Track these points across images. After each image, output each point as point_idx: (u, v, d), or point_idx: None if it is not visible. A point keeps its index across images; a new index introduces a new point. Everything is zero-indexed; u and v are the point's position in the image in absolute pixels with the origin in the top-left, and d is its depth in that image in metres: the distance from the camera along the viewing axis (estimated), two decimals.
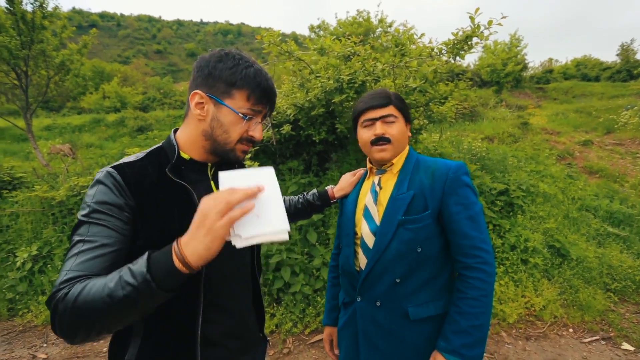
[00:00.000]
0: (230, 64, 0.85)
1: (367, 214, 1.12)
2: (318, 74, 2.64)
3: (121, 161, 0.80)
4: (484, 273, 0.98)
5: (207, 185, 0.91)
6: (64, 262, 0.69)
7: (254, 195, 0.69)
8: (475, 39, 2.08)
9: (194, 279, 0.81)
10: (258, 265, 1.05)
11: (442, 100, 2.90)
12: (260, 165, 3.57)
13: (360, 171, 1.32)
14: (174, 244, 0.65)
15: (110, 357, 0.81)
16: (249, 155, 3.14)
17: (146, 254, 0.65)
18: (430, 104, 3.01)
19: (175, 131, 0.91)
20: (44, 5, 5.95)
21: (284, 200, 1.36)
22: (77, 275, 0.67)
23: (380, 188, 1.12)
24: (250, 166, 3.07)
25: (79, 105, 25.22)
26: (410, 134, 1.18)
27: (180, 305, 0.80)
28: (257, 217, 0.69)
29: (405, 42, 2.33)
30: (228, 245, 0.90)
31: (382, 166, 1.16)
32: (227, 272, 0.91)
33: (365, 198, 1.16)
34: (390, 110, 1.11)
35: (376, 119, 1.11)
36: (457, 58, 2.29)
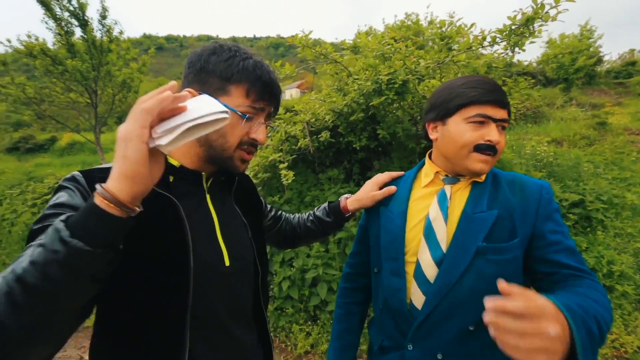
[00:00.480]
0: (225, 56, 0.72)
1: (431, 235, 0.84)
2: (356, 77, 2.45)
3: (94, 168, 0.69)
4: (598, 285, 0.75)
5: (201, 198, 0.77)
6: None
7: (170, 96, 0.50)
8: (537, 24, 1.75)
9: (177, 312, 0.66)
10: (264, 293, 0.88)
11: None
12: (297, 174, 3.45)
13: (390, 188, 1.02)
14: (97, 185, 0.49)
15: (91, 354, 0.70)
16: (284, 165, 3.03)
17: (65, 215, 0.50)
18: None
19: None
20: (110, 30, 6.54)
21: (293, 218, 1.18)
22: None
23: (449, 200, 0.87)
24: (285, 176, 2.96)
25: None
26: None
27: (160, 344, 0.66)
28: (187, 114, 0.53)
29: (452, 34, 2.04)
30: (217, 269, 0.74)
31: (459, 175, 0.88)
32: (219, 305, 0.74)
33: (426, 211, 0.87)
34: (506, 114, 0.83)
35: (495, 120, 0.81)
36: (516, 49, 1.96)
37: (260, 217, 0.98)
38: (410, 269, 0.87)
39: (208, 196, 0.78)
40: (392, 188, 1.02)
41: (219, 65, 0.71)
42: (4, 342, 0.44)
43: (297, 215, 1.18)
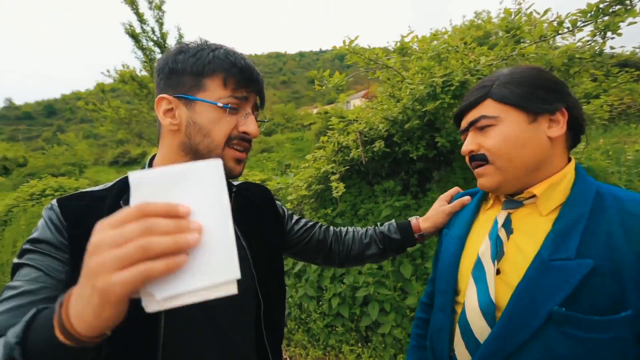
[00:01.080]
0: (192, 51, 0.66)
1: (479, 273, 0.67)
2: (409, 81, 2.27)
3: (78, 191, 0.66)
4: None
5: None
6: None
7: (174, 216, 0.39)
8: None
9: (146, 331, 0.59)
10: (271, 330, 0.76)
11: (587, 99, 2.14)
12: (351, 186, 3.32)
13: (462, 196, 0.89)
14: (62, 298, 0.41)
15: None
16: (336, 176, 2.94)
17: (33, 311, 0.44)
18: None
19: (153, 157, 0.74)
20: None
21: (346, 233, 1.02)
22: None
23: (511, 233, 0.66)
24: (336, 188, 2.86)
25: None
26: (554, 133, 0.64)
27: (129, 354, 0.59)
28: (197, 253, 0.41)
29: (519, 24, 1.75)
30: (202, 307, 0.65)
31: (510, 195, 0.70)
32: (201, 345, 0.65)
33: (480, 241, 0.70)
34: (484, 108, 0.67)
35: (466, 129, 0.71)
36: (609, 34, 1.60)
37: (273, 235, 0.87)
38: (459, 310, 0.69)
39: None
40: (466, 198, 0.87)
41: (187, 62, 0.65)
42: None
43: (350, 229, 1.03)
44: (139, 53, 6.90)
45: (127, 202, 0.61)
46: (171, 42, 7.05)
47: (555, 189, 0.64)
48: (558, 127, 0.64)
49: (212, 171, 0.43)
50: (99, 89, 7.21)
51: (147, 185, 0.41)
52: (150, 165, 0.71)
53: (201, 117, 0.65)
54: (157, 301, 0.39)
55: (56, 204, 0.62)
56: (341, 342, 2.63)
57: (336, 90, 2.64)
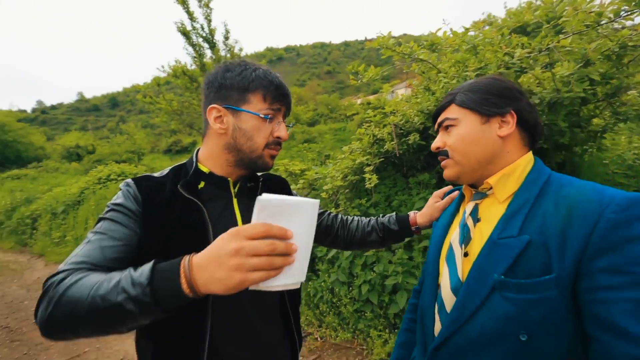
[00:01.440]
0: (238, 70, 0.82)
1: (451, 259, 0.78)
2: (444, 75, 2.27)
3: (145, 174, 0.84)
4: None
5: (227, 202, 0.86)
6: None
7: (282, 236, 0.57)
8: None
9: (198, 304, 0.75)
10: (291, 293, 0.93)
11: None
12: (386, 178, 3.37)
13: (452, 192, 1.01)
14: (184, 261, 0.57)
15: (136, 337, 0.84)
16: (370, 168, 3.01)
17: (151, 263, 0.59)
18: (620, 94, 2.12)
19: (198, 151, 0.90)
20: (231, 49, 7.59)
21: (352, 221, 1.17)
22: (80, 261, 0.67)
23: (478, 220, 0.76)
24: (369, 179, 2.93)
25: None
26: (503, 132, 0.74)
27: (183, 331, 0.76)
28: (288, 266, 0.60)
29: (561, 13, 1.66)
30: None
31: (473, 186, 0.81)
32: (245, 300, 0.82)
33: (454, 232, 0.82)
34: (448, 112, 0.80)
35: (437, 129, 0.84)
36: None
37: None
38: (438, 291, 0.80)
39: (235, 200, 0.87)
40: (455, 194, 0.99)
41: (234, 79, 0.80)
42: (79, 326, 0.58)
43: (356, 218, 1.17)
44: (190, 49, 7.35)
45: (182, 187, 0.80)
46: (219, 37, 7.43)
47: (508, 179, 0.74)
48: (507, 127, 0.74)
49: (313, 208, 0.61)
50: (155, 83, 7.84)
51: (269, 209, 0.57)
52: (197, 157, 0.88)
53: (246, 124, 0.81)
54: (257, 286, 0.57)
55: (133, 182, 0.80)
56: (369, 327, 2.74)
57: (381, 80, 2.66)
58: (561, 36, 1.67)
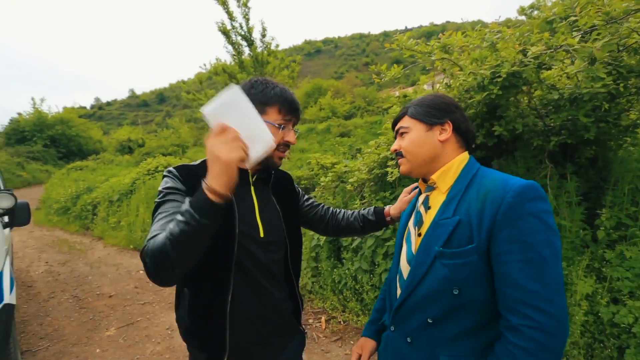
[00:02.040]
0: (260, 88, 1.02)
1: (408, 238, 1.00)
2: (461, 73, 2.34)
3: (181, 164, 1.07)
4: (534, 343, 0.71)
5: (247, 188, 1.09)
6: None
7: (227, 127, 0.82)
8: None
9: (226, 262, 0.98)
10: (293, 261, 1.15)
11: None
12: None
13: (414, 185, 1.20)
14: (203, 183, 0.81)
15: (175, 306, 1.09)
16: (393, 162, 3.13)
17: (187, 198, 0.84)
18: None
19: None
20: (268, 46, 7.88)
21: (339, 212, 1.39)
22: (156, 234, 0.87)
23: (429, 208, 0.96)
24: (391, 173, 3.05)
25: (303, 117, 31.51)
26: (442, 137, 0.94)
27: (213, 283, 1.00)
28: (248, 139, 0.83)
29: (583, 4, 1.63)
30: (254, 238, 1.03)
31: (426, 182, 1.01)
32: (256, 262, 1.04)
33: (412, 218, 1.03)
34: (403, 122, 1.00)
35: (395, 135, 1.04)
36: None
37: (294, 205, 1.25)
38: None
39: (252, 188, 1.09)
40: (416, 190, 1.18)
41: (257, 95, 1.01)
42: (169, 262, 0.80)
43: (343, 210, 1.39)
44: (229, 47, 7.75)
45: None
46: (256, 35, 7.73)
47: (447, 174, 0.94)
48: (446, 134, 0.94)
49: (234, 94, 0.86)
50: (198, 80, 8.37)
51: (211, 117, 0.83)
52: None
53: None
54: (250, 162, 0.84)
55: (174, 170, 1.03)
56: None
57: (421, 71, 2.74)
58: (574, 33, 1.70)
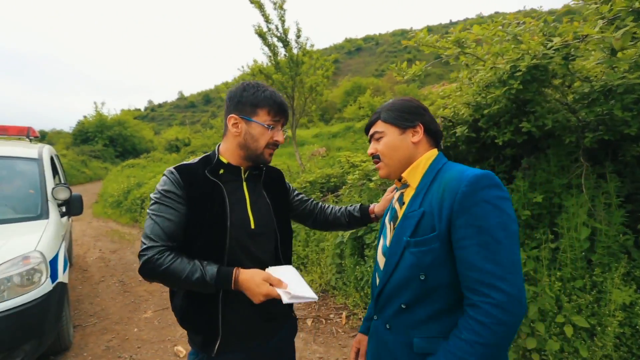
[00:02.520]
0: (252, 91, 1.11)
1: (384, 232, 1.06)
2: (482, 67, 2.27)
3: (182, 163, 1.17)
4: (491, 317, 0.76)
5: (239, 184, 1.17)
6: (145, 226, 1.08)
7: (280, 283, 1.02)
8: None
9: (219, 252, 1.07)
10: (283, 251, 1.23)
11: None
12: None
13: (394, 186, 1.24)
14: (236, 272, 1.01)
15: (170, 297, 1.20)
16: None
17: (217, 267, 1.02)
18: None
19: (219, 146, 1.21)
20: (303, 46, 8.01)
21: (327, 207, 1.46)
22: (154, 242, 1.02)
23: (404, 204, 1.01)
24: None
25: (342, 116, 31.48)
26: (415, 139, 1.01)
27: None
28: (292, 288, 1.01)
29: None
30: (245, 229, 1.14)
31: (400, 180, 1.06)
32: (247, 252, 1.13)
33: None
34: (376, 126, 1.06)
35: (370, 139, 1.08)
36: None
37: (284, 199, 1.32)
38: None
39: (245, 183, 1.17)
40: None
41: (249, 97, 1.10)
42: (161, 282, 1.04)
43: (332, 206, 1.45)
44: (266, 49, 7.99)
45: (209, 172, 1.11)
46: (291, 36, 7.89)
47: (415, 171, 1.00)
48: (418, 136, 1.00)
49: (292, 268, 1.14)
50: (236, 81, 8.73)
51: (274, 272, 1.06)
52: (218, 151, 1.18)
53: (254, 130, 1.11)
54: (287, 296, 0.98)
55: (175, 171, 1.12)
56: None
57: (465, 65, 2.66)
58: (599, 22, 1.59)
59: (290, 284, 1.01)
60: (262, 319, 1.15)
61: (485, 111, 2.56)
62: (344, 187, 4.66)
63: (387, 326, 0.98)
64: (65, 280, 2.83)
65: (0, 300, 2.23)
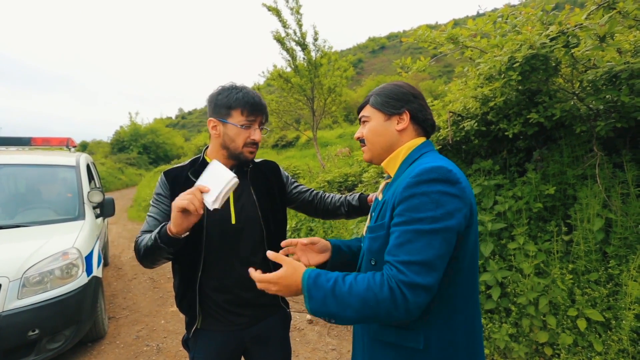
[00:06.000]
0: (225, 94, 1.19)
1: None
2: (480, 60, 2.28)
3: (174, 166, 1.29)
4: (390, 291, 0.76)
5: None
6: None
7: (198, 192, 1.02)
8: None
9: (195, 248, 1.18)
10: (271, 246, 1.24)
11: None
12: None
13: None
14: (168, 225, 1.04)
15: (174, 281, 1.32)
16: None
17: (161, 225, 1.08)
18: None
19: (207, 147, 1.31)
20: (321, 49, 8.12)
21: (328, 196, 1.50)
22: (146, 230, 1.18)
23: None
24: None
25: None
26: (399, 127, 0.97)
27: (187, 261, 1.22)
28: (213, 186, 1.01)
29: None
30: (224, 225, 1.21)
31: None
32: (228, 248, 1.22)
33: None
34: (365, 111, 1.04)
35: (360, 122, 1.09)
36: None
37: (279, 192, 1.38)
38: None
39: None
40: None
41: (222, 100, 1.18)
42: (141, 261, 1.15)
43: (332, 195, 1.50)
44: (284, 54, 8.18)
45: (191, 173, 1.21)
46: (309, 40, 8.02)
47: (395, 161, 0.98)
48: (403, 123, 0.97)
49: (215, 166, 1.08)
50: (256, 87, 9.00)
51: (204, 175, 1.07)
52: (205, 152, 1.28)
53: (231, 131, 1.18)
54: (210, 203, 1.00)
55: (163, 174, 1.25)
56: None
57: (470, 59, 2.67)
58: (592, 8, 1.58)
59: (211, 185, 1.01)
60: (235, 304, 1.23)
61: (491, 103, 2.55)
62: (359, 185, 4.72)
63: None
64: (100, 275, 3.10)
65: (44, 290, 2.51)
